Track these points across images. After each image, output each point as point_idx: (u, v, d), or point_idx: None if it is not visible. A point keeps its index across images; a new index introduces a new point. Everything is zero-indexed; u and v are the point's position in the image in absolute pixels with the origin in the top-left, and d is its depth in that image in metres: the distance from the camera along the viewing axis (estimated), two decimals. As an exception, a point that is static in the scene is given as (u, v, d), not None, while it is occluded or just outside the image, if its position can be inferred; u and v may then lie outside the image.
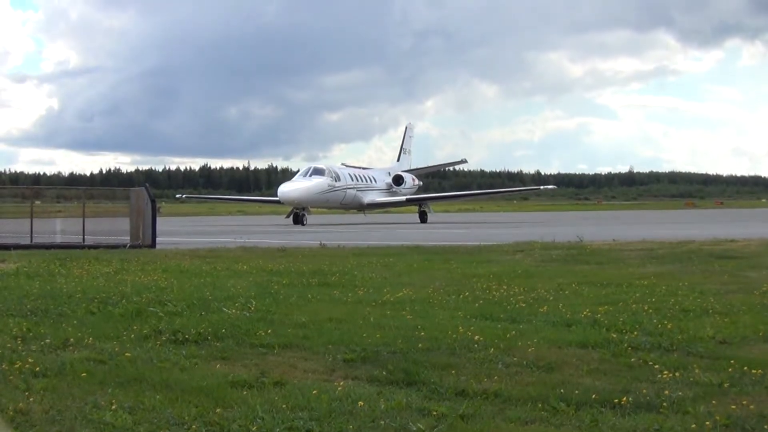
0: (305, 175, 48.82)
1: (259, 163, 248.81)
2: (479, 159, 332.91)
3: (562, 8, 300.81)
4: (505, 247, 21.83)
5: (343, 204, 52.69)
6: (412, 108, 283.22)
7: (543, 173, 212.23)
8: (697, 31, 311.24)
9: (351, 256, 19.47)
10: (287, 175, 75.19)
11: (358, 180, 53.85)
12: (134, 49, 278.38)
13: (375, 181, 56.99)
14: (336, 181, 50.17)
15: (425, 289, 13.00)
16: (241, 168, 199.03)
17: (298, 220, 47.53)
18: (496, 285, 13.45)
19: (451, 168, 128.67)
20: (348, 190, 51.67)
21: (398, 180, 59.25)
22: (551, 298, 12.02)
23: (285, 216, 52.15)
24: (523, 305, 11.25)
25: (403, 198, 57.61)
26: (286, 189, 47.40)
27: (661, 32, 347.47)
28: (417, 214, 55.21)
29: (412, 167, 66.87)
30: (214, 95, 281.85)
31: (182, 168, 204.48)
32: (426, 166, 71.43)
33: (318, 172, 49.20)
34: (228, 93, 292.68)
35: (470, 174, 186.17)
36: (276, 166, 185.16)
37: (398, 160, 67.15)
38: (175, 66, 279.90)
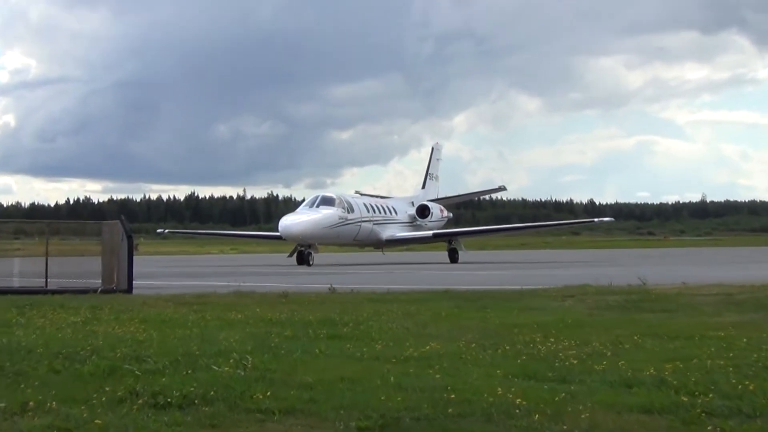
0: (312, 206, 49.07)
1: (256, 192, 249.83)
2: (520, 186, 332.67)
3: (616, 6, 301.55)
4: (552, 292, 21.77)
5: (358, 240, 52.80)
6: (437, 125, 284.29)
7: (597, 203, 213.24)
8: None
9: (366, 303, 19.47)
10: (290, 205, 75.87)
11: (375, 211, 53.99)
12: (106, 56, 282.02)
13: (395, 212, 57.13)
14: (348, 212, 50.33)
15: (456, 343, 12.97)
16: (234, 197, 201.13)
17: (304, 259, 47.75)
18: (542, 337, 13.39)
19: (487, 197, 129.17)
20: (363, 224, 51.80)
21: (423, 211, 59.39)
22: (608, 353, 11.94)
23: (287, 254, 52.36)
24: (575, 362, 11.19)
25: (430, 233, 57.70)
26: (288, 222, 47.65)
27: (733, 33, 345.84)
28: (446, 252, 55.30)
29: (440, 196, 67.15)
30: (201, 111, 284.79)
31: (164, 197, 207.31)
32: (456, 194, 71.69)
33: (327, 202, 49.44)
34: (218, 108, 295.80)
35: (510, 204, 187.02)
36: (276, 195, 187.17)
37: (423, 187, 67.36)
38: (156, 76, 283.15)
